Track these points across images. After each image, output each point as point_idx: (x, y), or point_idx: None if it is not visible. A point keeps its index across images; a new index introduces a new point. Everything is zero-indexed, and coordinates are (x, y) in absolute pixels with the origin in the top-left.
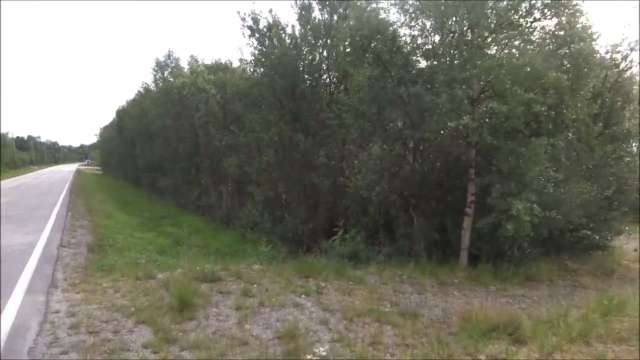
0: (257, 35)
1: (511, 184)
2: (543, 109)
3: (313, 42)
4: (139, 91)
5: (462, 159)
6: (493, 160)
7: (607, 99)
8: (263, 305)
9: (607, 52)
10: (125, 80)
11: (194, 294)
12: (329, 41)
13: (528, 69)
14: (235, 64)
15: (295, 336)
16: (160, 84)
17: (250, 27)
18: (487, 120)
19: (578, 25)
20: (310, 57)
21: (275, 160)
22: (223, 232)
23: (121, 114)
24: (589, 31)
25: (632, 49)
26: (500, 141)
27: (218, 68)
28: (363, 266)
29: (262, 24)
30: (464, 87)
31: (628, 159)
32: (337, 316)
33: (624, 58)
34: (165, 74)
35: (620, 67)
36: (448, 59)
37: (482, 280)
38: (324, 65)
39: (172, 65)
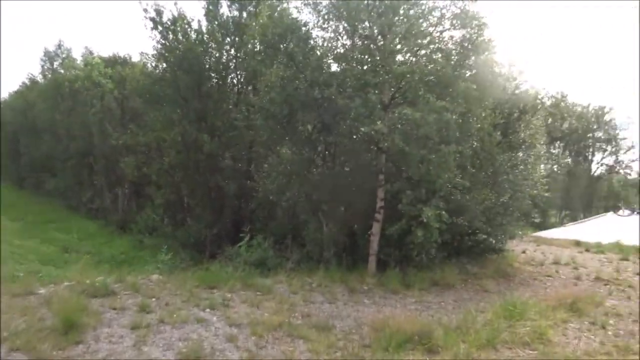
0: (160, 28)
1: (421, 191)
2: (454, 116)
3: (221, 39)
4: (23, 82)
5: (372, 165)
6: (403, 167)
7: (506, 110)
8: (163, 323)
9: (506, 65)
10: (7, 70)
11: (83, 312)
12: (237, 39)
13: (439, 77)
14: (136, 58)
15: (199, 358)
16: (50, 76)
17: (153, 19)
18: (399, 126)
19: (481, 38)
20: (217, 55)
21: (178, 161)
22: (119, 237)
23: (2, 106)
24: (492, 44)
25: (528, 64)
26: (411, 147)
27: (116, 62)
28: (271, 274)
29: (166, 16)
30: (376, 92)
31: (522, 167)
32: (246, 332)
33: (520, 72)
34: (55, 65)
35: (517, 80)
36: (360, 63)
37: (391, 287)
38: (232, 63)
39: (63, 56)
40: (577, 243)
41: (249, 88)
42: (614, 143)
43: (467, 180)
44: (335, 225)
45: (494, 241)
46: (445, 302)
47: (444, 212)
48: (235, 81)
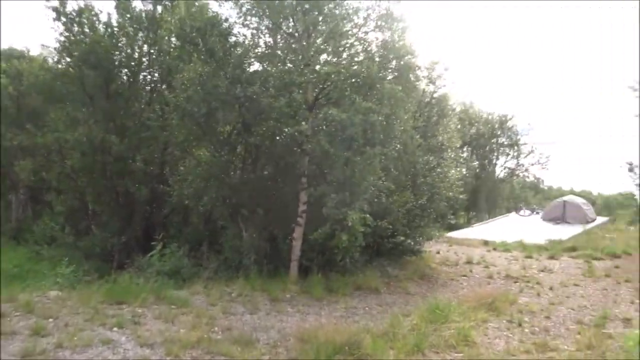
0: (63, 19)
1: (346, 194)
2: (380, 118)
3: (133, 33)
4: None
5: (295, 167)
6: (327, 169)
7: (426, 113)
8: (62, 347)
9: (426, 69)
10: None
11: None
12: (151, 34)
13: (365, 78)
14: (35, 52)
15: None
16: None
17: (55, 9)
18: (324, 127)
19: (403, 41)
20: (129, 50)
21: (83, 164)
22: (12, 249)
23: None
24: (413, 47)
25: (446, 69)
26: (336, 149)
27: (11, 55)
28: (187, 285)
29: (71, 6)
30: (300, 92)
31: (439, 169)
32: (160, 352)
33: (439, 77)
34: None
35: (436, 84)
36: (283, 62)
37: (314, 293)
38: (145, 59)
39: None
40: (485, 242)
41: (164, 86)
42: (515, 148)
43: (391, 182)
44: (256, 230)
45: (412, 243)
46: (370, 307)
47: (368, 216)
48: (148, 79)
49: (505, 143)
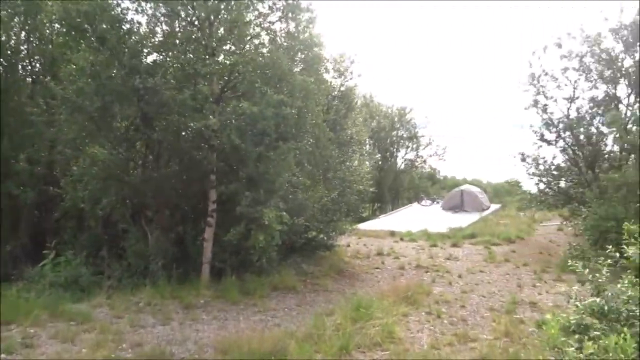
0: None
1: (260, 191)
2: (293, 111)
3: (6, 18)
4: None
5: (203, 164)
6: (238, 165)
7: (334, 106)
8: None
9: (334, 61)
10: None
11: None
12: (29, 20)
13: (275, 69)
14: None
15: None
16: None
17: None
18: (233, 121)
19: (309, 33)
20: (3, 37)
21: None
22: None
23: None
24: (321, 39)
25: (352, 62)
26: (247, 144)
27: None
28: (87, 296)
29: None
30: (206, 83)
31: (348, 163)
32: None
33: (346, 70)
34: None
35: (344, 78)
36: (184, 51)
37: (230, 297)
38: (23, 48)
39: None
40: (392, 233)
41: (47, 78)
42: (414, 140)
43: (305, 177)
44: (162, 232)
45: (325, 238)
46: (290, 308)
47: (284, 213)
48: (29, 69)
49: (405, 136)
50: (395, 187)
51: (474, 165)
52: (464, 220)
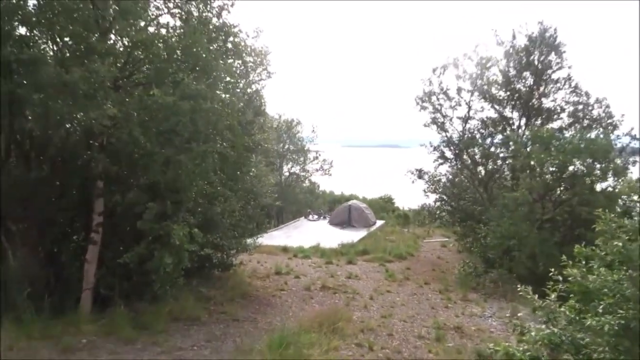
0: None
1: (167, 203)
2: (217, 105)
3: None
4: None
5: (90, 166)
6: (137, 170)
7: (243, 108)
8: None
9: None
10: None
11: None
12: None
13: (193, 54)
14: None
15: None
16: None
17: None
18: (135, 114)
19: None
20: None
21: None
22: None
23: None
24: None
25: (263, 57)
26: (153, 144)
27: None
28: None
29: None
30: (105, 62)
31: (252, 173)
32: None
33: (258, 65)
34: None
35: (250, 78)
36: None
37: (121, 333)
38: None
39: None
40: (284, 249)
41: None
42: (301, 154)
43: (218, 187)
44: (30, 251)
45: (226, 256)
46: (199, 346)
47: (196, 230)
48: None
49: (292, 149)
50: (281, 201)
51: (351, 181)
52: (352, 236)
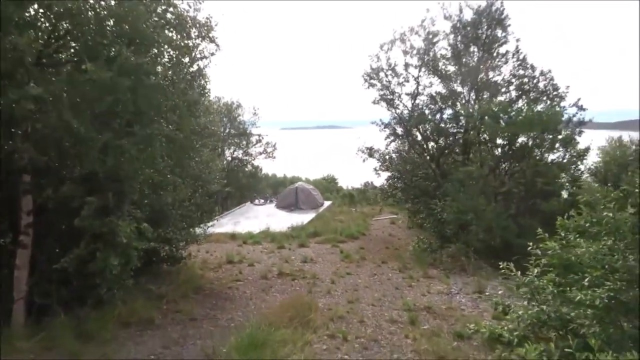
0: None
1: (108, 196)
2: (165, 82)
3: None
4: None
5: (13, 158)
6: (69, 160)
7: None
8: None
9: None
10: None
11: None
12: None
13: (132, 24)
14: None
15: None
16: None
17: None
18: (66, 93)
19: None
20: None
21: None
22: None
23: None
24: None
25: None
26: (88, 129)
27: None
28: None
29: None
30: (30, 32)
31: (197, 158)
32: None
33: (196, 46)
34: None
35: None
36: None
37: (63, 346)
38: None
39: None
40: (233, 236)
41: None
42: (243, 138)
43: (167, 175)
44: None
45: (174, 249)
46: (157, 354)
47: (145, 225)
48: None
49: (234, 133)
50: (225, 187)
51: (293, 163)
52: (301, 218)
